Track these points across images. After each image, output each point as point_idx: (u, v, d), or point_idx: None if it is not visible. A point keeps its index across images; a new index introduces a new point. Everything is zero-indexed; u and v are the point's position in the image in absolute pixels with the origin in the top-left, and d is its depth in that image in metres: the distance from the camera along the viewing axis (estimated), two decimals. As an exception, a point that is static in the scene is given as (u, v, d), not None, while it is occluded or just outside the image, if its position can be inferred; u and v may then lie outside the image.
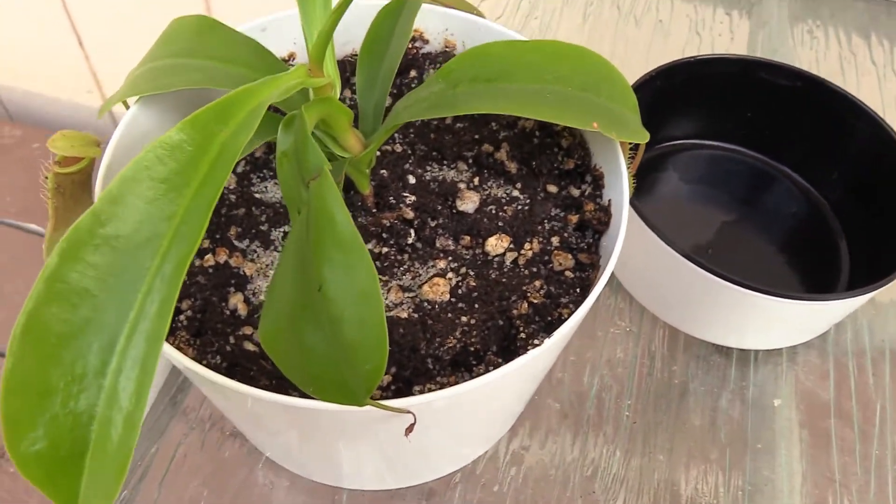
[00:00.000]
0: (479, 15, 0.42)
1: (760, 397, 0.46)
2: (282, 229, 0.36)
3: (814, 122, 0.51)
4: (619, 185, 0.34)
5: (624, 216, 0.33)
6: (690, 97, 0.52)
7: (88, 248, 0.24)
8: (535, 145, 0.38)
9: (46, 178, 0.30)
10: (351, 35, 0.41)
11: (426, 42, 0.42)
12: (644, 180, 0.53)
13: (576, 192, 0.36)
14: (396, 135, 0.39)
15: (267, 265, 0.34)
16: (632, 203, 0.43)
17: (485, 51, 0.34)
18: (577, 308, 0.32)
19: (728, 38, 0.66)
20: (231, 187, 0.37)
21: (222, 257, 0.34)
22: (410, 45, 0.42)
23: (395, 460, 0.37)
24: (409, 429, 0.26)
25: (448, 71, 0.34)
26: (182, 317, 0.32)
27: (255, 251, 0.35)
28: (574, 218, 0.35)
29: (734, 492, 0.42)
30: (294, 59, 0.42)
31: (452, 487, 0.42)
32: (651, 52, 0.64)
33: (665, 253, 0.43)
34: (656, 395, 0.46)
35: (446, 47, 0.42)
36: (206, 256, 0.34)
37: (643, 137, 0.33)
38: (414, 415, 0.27)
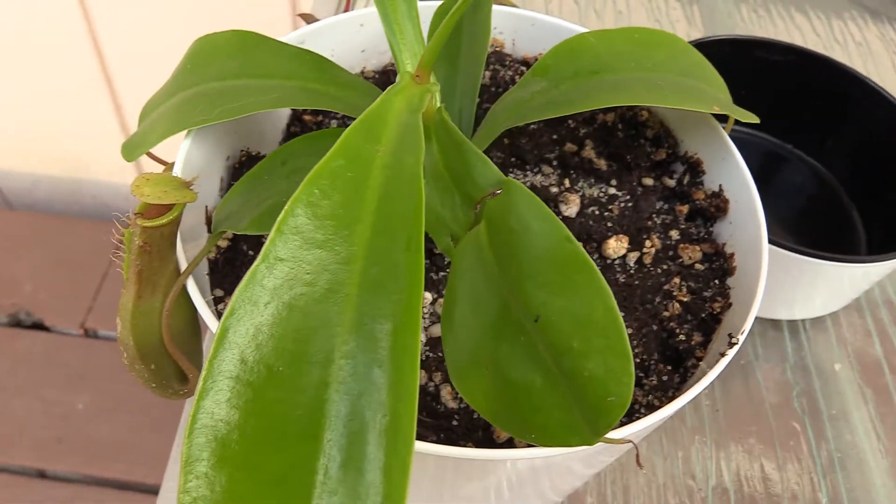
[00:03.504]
0: (512, 5, 0.40)
1: (820, 364, 0.47)
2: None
3: (811, 95, 0.53)
4: (731, 168, 0.33)
5: (755, 196, 0.31)
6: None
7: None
8: (621, 139, 0.36)
9: (123, 236, 0.25)
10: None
11: (470, 43, 0.39)
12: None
13: (671, 182, 0.35)
14: (464, 144, 0.36)
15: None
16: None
17: (576, 44, 0.32)
18: (725, 301, 0.30)
19: (686, 24, 0.67)
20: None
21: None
22: (456, 48, 0.39)
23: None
24: (638, 459, 0.24)
25: (545, 68, 0.31)
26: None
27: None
28: (684, 208, 0.34)
29: (827, 459, 0.42)
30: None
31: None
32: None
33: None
34: (726, 377, 0.45)
35: (494, 47, 0.39)
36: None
37: (755, 118, 0.32)
38: (635, 445, 0.24)
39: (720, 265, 0.32)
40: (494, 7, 0.38)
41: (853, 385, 0.46)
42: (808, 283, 0.44)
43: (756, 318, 0.47)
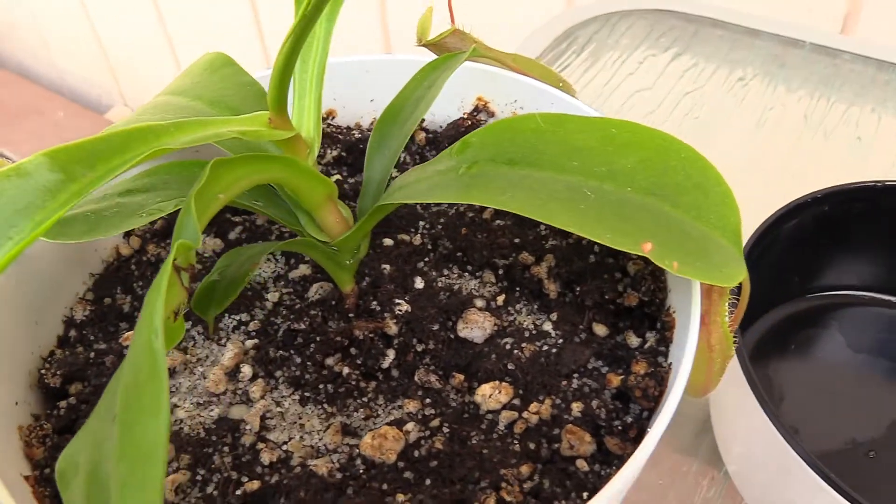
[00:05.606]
0: (568, 90, 0.33)
1: None
2: (238, 317, 0.28)
3: None
4: (682, 345, 0.22)
5: (676, 393, 0.21)
6: (870, 234, 0.38)
7: None
8: (591, 264, 0.27)
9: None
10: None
11: (492, 115, 0.33)
12: (793, 339, 0.39)
13: (635, 342, 0.25)
14: (421, 223, 0.30)
15: (200, 359, 0.27)
16: (748, 373, 0.30)
17: (521, 124, 0.24)
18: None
19: (954, 168, 0.49)
20: (218, 251, 0.30)
21: (144, 340, 0.27)
22: (469, 115, 0.33)
23: None
24: None
25: (465, 145, 0.25)
26: (63, 404, 0.25)
27: (193, 338, 0.27)
28: (616, 379, 0.24)
29: None
30: (333, 117, 0.35)
31: None
32: (840, 176, 0.50)
33: (791, 459, 0.29)
34: None
35: (513, 122, 0.33)
36: (126, 335, 0.27)
37: (734, 277, 0.21)
38: None
39: (608, 474, 0.21)
40: (521, 78, 0.32)
41: None
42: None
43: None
